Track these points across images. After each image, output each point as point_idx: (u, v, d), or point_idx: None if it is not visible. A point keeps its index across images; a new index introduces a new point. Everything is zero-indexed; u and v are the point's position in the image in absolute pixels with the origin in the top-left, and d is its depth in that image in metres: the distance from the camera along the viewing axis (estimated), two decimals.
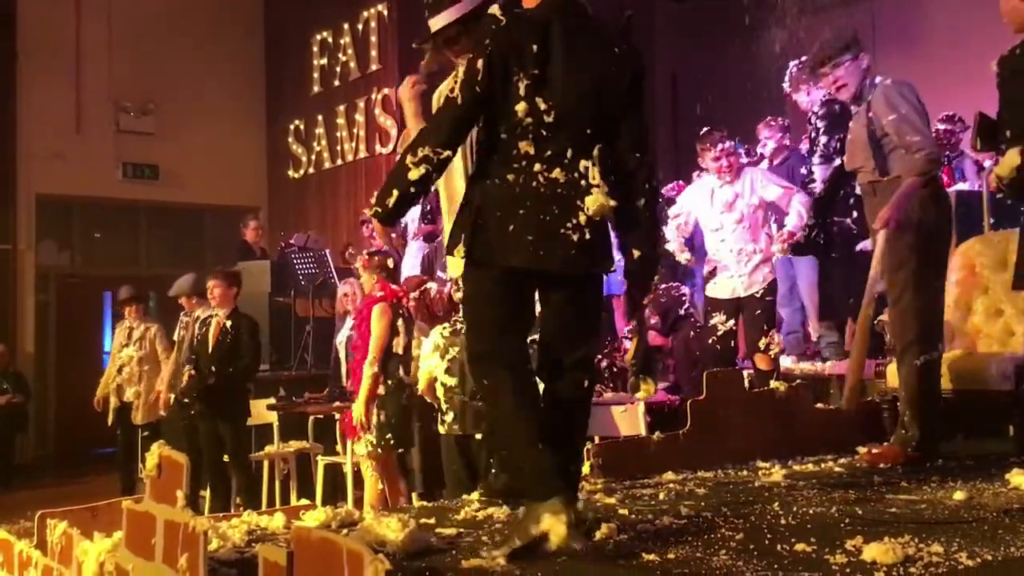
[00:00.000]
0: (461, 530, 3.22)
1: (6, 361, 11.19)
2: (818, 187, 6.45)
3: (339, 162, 12.44)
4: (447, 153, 2.84)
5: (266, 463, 7.73)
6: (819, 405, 5.23)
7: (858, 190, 6.15)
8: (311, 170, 12.94)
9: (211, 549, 2.80)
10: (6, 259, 12.13)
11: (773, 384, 5.02)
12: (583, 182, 2.87)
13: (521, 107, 2.83)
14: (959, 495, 3.42)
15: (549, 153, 2.85)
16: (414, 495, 6.06)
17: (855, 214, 5.92)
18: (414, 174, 2.82)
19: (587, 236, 2.85)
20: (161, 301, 9.09)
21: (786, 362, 6.65)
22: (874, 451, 4.32)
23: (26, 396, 11.24)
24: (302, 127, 13.01)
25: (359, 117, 11.99)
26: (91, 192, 12.71)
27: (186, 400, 7.13)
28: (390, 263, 6.30)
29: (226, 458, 7.06)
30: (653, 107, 10.36)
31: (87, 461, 11.27)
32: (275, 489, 7.66)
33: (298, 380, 8.73)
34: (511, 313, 2.92)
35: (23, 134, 12.21)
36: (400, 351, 5.93)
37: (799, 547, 2.73)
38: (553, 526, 2.67)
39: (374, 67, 11.78)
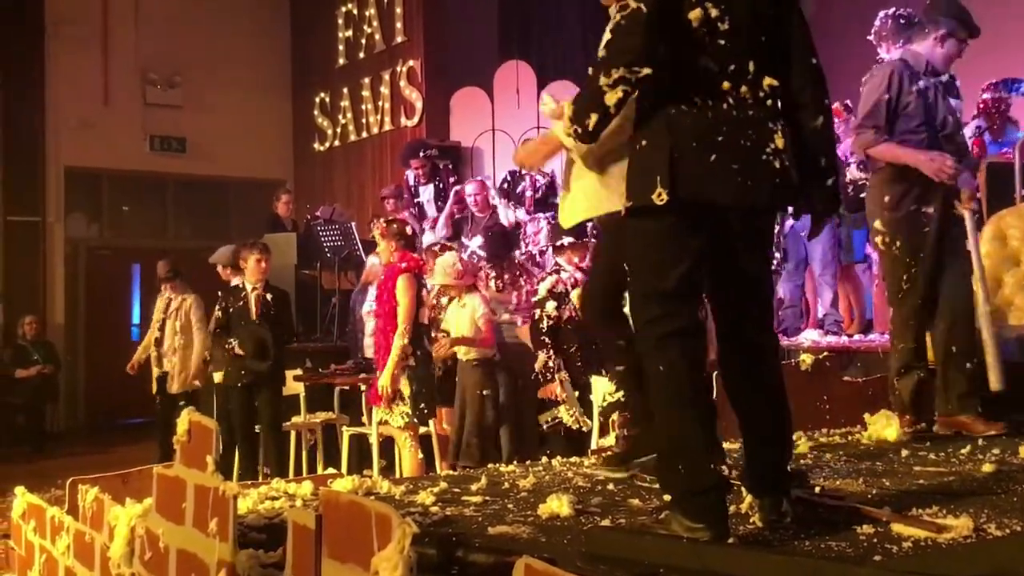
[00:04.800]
0: (487, 497, 3.24)
1: (36, 332, 11.31)
2: None
3: (364, 135, 12.43)
4: (646, 70, 2.48)
5: (293, 433, 7.79)
6: (846, 378, 5.21)
7: None
8: (336, 143, 12.94)
9: (240, 514, 2.82)
10: (35, 231, 12.23)
11: (801, 356, 5.00)
12: (769, 102, 2.57)
13: (696, 14, 2.51)
14: (988, 467, 3.39)
15: (733, 68, 2.54)
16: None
17: None
18: (611, 98, 2.49)
19: (786, 163, 2.55)
20: (186, 272, 9.11)
21: (813, 335, 6.61)
22: (960, 420, 4.22)
23: (56, 367, 11.37)
24: (328, 100, 13.01)
25: (384, 89, 11.97)
26: (119, 165, 12.79)
27: (239, 384, 7.09)
28: (408, 231, 6.22)
29: (257, 428, 7.12)
30: None
31: (117, 431, 11.42)
32: (302, 459, 7.73)
33: (324, 352, 8.78)
34: (696, 270, 2.57)
35: (51, 107, 12.28)
36: (425, 321, 5.93)
37: (826, 518, 2.72)
38: None
39: (399, 39, 11.74)
